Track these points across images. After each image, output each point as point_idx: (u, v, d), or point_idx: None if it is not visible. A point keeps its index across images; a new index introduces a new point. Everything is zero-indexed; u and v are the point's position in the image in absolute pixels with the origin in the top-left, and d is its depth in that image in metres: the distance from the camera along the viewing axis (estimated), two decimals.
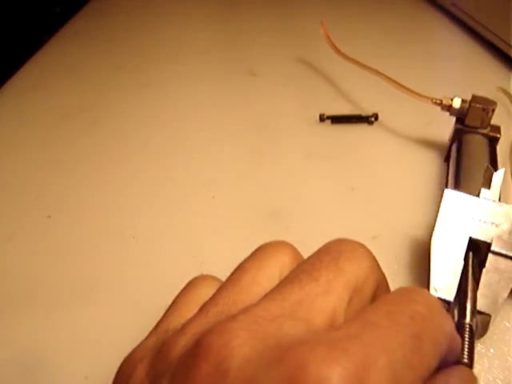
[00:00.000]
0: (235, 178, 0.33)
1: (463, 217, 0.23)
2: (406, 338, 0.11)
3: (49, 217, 0.30)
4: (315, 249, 0.18)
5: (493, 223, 0.23)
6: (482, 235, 0.23)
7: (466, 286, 0.21)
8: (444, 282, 0.22)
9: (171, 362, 0.12)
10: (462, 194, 0.24)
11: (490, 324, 0.21)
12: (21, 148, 0.37)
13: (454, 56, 0.48)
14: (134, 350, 0.14)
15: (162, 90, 0.44)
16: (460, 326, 0.19)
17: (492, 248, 0.22)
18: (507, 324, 0.22)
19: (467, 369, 0.16)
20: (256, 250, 0.16)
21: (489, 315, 0.21)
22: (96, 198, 0.31)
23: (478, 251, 0.23)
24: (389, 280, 0.25)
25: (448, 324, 0.13)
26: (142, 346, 0.14)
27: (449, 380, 0.13)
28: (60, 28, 0.57)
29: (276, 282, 0.14)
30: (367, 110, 0.39)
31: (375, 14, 0.59)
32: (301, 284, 0.13)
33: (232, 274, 0.15)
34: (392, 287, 0.24)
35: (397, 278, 0.25)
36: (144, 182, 0.33)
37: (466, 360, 0.17)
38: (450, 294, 0.21)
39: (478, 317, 0.21)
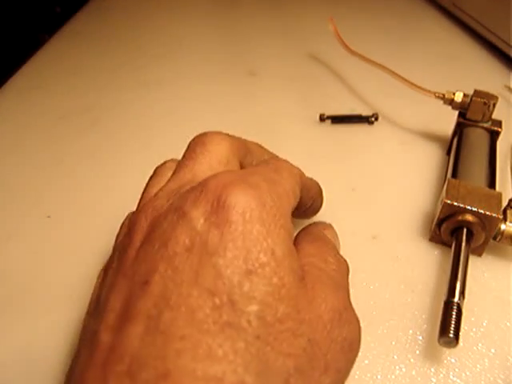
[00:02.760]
0: None
1: None
2: (268, 170, 0.18)
3: (49, 217, 0.30)
4: None
5: None
6: None
7: (457, 267, 0.22)
8: None
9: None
10: None
11: None
12: (21, 148, 0.37)
13: (453, 56, 0.48)
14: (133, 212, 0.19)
15: (162, 90, 0.44)
16: (448, 304, 0.20)
17: None
18: (508, 324, 0.22)
19: (329, 223, 0.23)
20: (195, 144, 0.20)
21: None
22: (96, 198, 0.31)
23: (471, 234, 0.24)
24: (389, 279, 0.25)
25: (295, 168, 0.20)
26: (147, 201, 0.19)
27: (317, 225, 0.22)
28: (60, 28, 0.57)
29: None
30: (367, 110, 0.39)
31: (375, 14, 0.59)
32: (188, 167, 0.19)
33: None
34: (391, 287, 0.24)
35: (397, 277, 0.25)
36: (144, 181, 0.32)
37: (451, 335, 0.19)
38: None
39: None
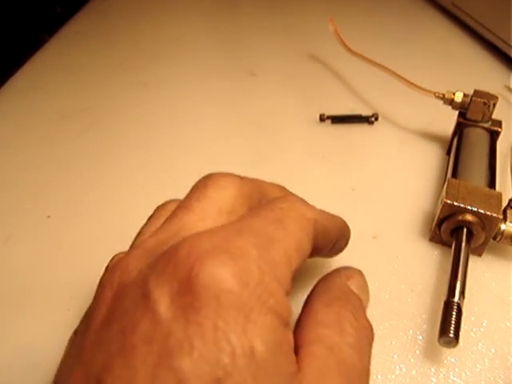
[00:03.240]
0: None
1: None
2: (268, 221, 0.15)
3: (49, 217, 0.30)
4: None
5: None
6: None
7: (457, 267, 0.22)
8: None
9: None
10: None
11: None
12: (20, 147, 0.37)
13: (453, 56, 0.48)
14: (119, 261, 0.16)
15: (161, 90, 0.44)
16: (448, 304, 0.20)
17: None
18: (508, 324, 0.22)
19: (357, 269, 0.20)
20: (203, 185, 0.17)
21: None
22: (96, 198, 0.31)
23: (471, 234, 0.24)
24: (389, 279, 0.25)
25: (309, 211, 0.16)
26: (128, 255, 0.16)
27: (340, 274, 0.18)
28: (60, 28, 0.57)
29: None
30: (367, 110, 0.39)
31: (375, 14, 0.59)
32: (178, 217, 0.16)
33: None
34: (391, 287, 0.24)
35: (397, 277, 0.25)
36: (144, 181, 0.33)
37: (451, 335, 0.19)
38: None
39: None
